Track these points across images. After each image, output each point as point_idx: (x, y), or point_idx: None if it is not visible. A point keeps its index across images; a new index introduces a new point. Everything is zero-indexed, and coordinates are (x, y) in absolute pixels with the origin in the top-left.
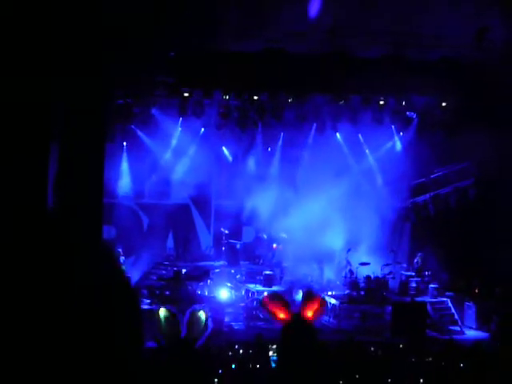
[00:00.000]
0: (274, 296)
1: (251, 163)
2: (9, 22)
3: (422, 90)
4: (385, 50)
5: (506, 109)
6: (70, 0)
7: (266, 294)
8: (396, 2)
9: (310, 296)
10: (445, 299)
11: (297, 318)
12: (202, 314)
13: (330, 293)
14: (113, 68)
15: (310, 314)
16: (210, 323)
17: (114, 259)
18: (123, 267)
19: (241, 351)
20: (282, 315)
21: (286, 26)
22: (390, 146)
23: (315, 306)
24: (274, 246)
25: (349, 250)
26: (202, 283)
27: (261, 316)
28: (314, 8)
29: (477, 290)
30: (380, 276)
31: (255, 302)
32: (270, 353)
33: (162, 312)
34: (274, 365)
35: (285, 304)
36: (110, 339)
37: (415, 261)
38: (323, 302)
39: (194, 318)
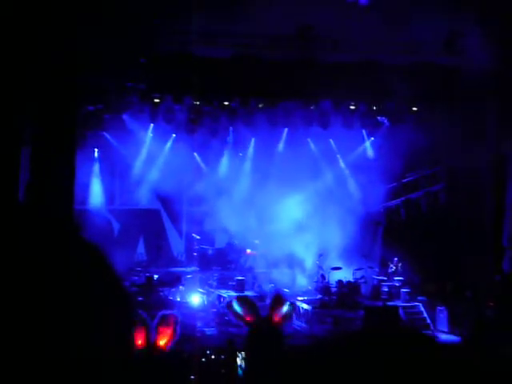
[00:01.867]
0: (241, 299)
1: (222, 168)
2: None
3: (393, 95)
4: (355, 56)
5: (477, 112)
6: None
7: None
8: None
9: (278, 300)
10: (417, 303)
11: (264, 322)
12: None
13: (301, 298)
14: (83, 74)
15: (277, 318)
16: (179, 328)
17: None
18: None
19: (213, 356)
20: (248, 318)
21: (256, 30)
22: (361, 150)
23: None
24: (248, 251)
25: (320, 254)
26: (173, 289)
27: (233, 321)
28: None
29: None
30: (352, 280)
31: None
32: (238, 360)
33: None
34: (241, 372)
35: (252, 307)
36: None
37: (391, 265)
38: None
39: (163, 323)
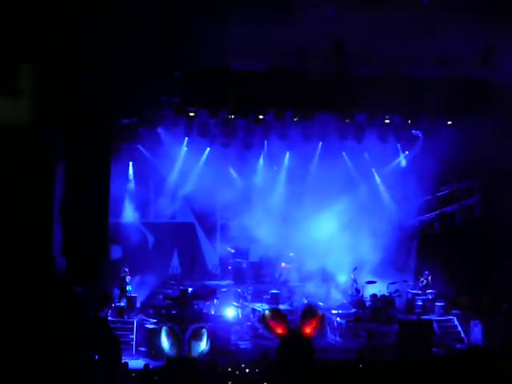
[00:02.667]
0: (273, 311)
1: (257, 182)
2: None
3: (428, 108)
4: (389, 69)
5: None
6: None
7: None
8: (400, 22)
9: (309, 312)
10: (451, 317)
11: (295, 334)
12: (203, 333)
13: (335, 311)
14: (118, 88)
15: (308, 330)
16: (210, 341)
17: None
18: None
19: (247, 370)
20: (279, 331)
21: (292, 44)
22: (395, 164)
23: (314, 322)
24: (283, 264)
25: (355, 268)
26: (208, 302)
27: (266, 335)
28: None
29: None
30: (386, 294)
31: None
32: None
33: (165, 330)
34: None
35: (284, 320)
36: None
37: (422, 279)
38: (322, 319)
39: (195, 336)
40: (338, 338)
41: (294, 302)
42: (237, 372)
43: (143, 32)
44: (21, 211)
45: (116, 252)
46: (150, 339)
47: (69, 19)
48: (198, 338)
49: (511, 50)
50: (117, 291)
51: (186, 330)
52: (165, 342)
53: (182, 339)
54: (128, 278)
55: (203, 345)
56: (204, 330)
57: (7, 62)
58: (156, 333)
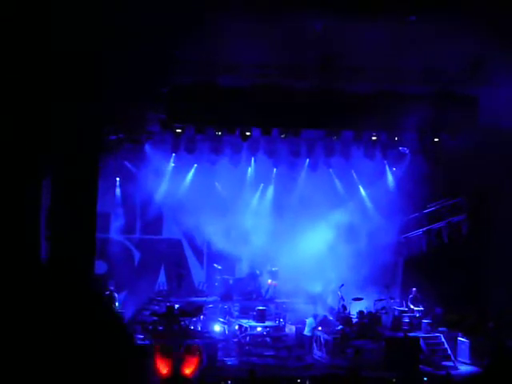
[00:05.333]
0: (164, 347)
1: (244, 199)
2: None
3: (414, 126)
4: (376, 86)
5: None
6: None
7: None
8: (385, 39)
9: (189, 351)
10: (438, 334)
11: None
12: (195, 350)
13: (320, 328)
14: (104, 104)
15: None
16: (204, 358)
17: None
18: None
19: None
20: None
21: (277, 60)
22: (382, 181)
23: (194, 362)
24: (269, 281)
25: (342, 285)
26: (195, 318)
27: (253, 351)
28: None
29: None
30: (373, 311)
31: (248, 338)
32: None
33: (158, 348)
34: None
35: (172, 358)
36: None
37: (410, 296)
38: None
39: (187, 353)
40: (324, 355)
41: (281, 319)
42: None
43: (130, 48)
44: (6, 227)
45: (101, 267)
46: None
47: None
48: (192, 353)
49: (499, 64)
50: None
51: (176, 347)
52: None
53: (174, 356)
54: (115, 295)
55: (195, 362)
56: (197, 346)
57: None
58: (145, 349)
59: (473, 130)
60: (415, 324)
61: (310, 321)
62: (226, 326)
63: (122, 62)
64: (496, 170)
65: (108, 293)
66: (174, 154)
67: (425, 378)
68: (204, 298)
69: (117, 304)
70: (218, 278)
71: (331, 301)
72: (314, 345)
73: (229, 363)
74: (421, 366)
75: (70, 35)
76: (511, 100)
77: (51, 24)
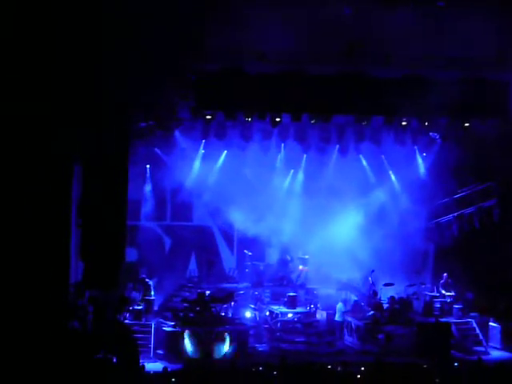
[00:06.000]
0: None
1: (274, 185)
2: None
3: (445, 111)
4: (406, 71)
5: None
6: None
7: None
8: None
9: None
10: (469, 320)
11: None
12: (226, 336)
13: (351, 314)
14: (135, 92)
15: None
16: (233, 345)
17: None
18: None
19: (264, 372)
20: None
21: (308, 46)
22: (413, 166)
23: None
24: (300, 267)
25: (373, 270)
26: (226, 305)
27: (284, 338)
28: None
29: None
30: (404, 296)
31: (279, 324)
32: None
33: (187, 334)
34: None
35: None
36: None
37: (441, 281)
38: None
39: (218, 340)
40: (355, 341)
41: (312, 305)
42: (255, 375)
43: (159, 35)
44: (38, 215)
45: (132, 255)
46: (171, 342)
47: (86, 25)
48: (221, 340)
49: None
50: (134, 294)
51: (207, 333)
52: (188, 345)
53: (205, 342)
54: (149, 282)
55: (226, 348)
56: (227, 334)
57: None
58: (178, 336)
59: (503, 115)
60: (446, 309)
61: (339, 306)
62: (256, 313)
63: (151, 50)
64: None
65: (141, 278)
66: (203, 141)
67: (455, 364)
68: (235, 285)
69: (152, 292)
70: (249, 264)
71: (362, 286)
72: (345, 330)
73: (260, 349)
74: (452, 352)
75: (96, 21)
76: None
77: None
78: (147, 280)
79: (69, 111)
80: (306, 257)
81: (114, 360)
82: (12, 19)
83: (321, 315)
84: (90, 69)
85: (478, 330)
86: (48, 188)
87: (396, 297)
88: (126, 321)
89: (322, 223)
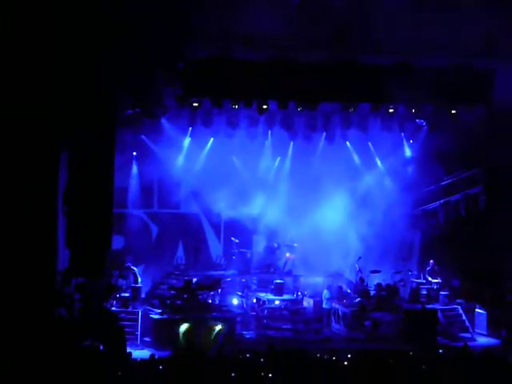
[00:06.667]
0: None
1: (261, 172)
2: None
3: (432, 98)
4: (393, 58)
5: None
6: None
7: None
8: (403, 10)
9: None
10: (456, 306)
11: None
12: (216, 327)
13: (336, 300)
14: (121, 78)
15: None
16: (222, 335)
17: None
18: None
19: (251, 359)
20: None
21: (294, 33)
22: (399, 153)
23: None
24: (288, 255)
25: (359, 257)
26: (213, 292)
27: (271, 325)
28: None
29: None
30: (391, 283)
31: (266, 311)
32: None
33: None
34: None
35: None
36: None
37: (427, 268)
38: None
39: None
40: (342, 328)
41: (299, 293)
42: (242, 362)
43: (146, 23)
44: (25, 203)
45: (119, 242)
46: (161, 330)
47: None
48: (209, 327)
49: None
50: (121, 282)
51: (193, 320)
52: (178, 333)
53: (195, 330)
54: (135, 270)
55: (214, 336)
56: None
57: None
58: (166, 324)
59: (490, 102)
60: (433, 296)
61: (325, 293)
62: (243, 300)
63: (137, 38)
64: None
65: (127, 266)
66: (190, 128)
67: (440, 351)
68: (222, 272)
69: (139, 279)
70: (236, 251)
71: (349, 274)
72: (332, 318)
73: (247, 336)
74: (438, 338)
75: (85, 7)
76: None
77: None
78: (132, 267)
79: (55, 99)
80: (295, 245)
81: (101, 348)
82: None
83: (308, 302)
84: (76, 56)
85: (464, 317)
86: (34, 176)
87: (383, 284)
88: (113, 308)
89: (309, 210)
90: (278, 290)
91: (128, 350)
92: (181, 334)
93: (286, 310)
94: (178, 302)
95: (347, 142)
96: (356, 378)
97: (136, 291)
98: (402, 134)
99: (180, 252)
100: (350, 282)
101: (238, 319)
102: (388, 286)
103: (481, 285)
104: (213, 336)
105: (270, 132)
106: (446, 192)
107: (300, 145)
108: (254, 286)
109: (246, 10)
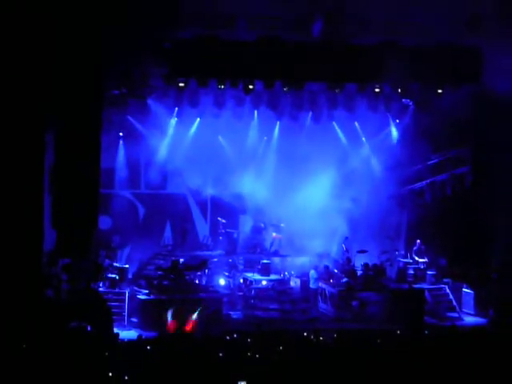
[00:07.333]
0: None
1: (247, 152)
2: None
3: (418, 77)
4: (379, 38)
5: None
6: None
7: None
8: None
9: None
10: (443, 286)
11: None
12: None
13: (323, 280)
14: (107, 59)
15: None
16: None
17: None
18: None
19: (239, 339)
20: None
21: (281, 13)
22: (386, 133)
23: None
24: (274, 235)
25: (346, 238)
26: (199, 273)
27: (258, 305)
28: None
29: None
30: (378, 263)
31: (253, 291)
32: None
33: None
34: None
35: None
36: None
37: (414, 248)
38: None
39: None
40: (329, 308)
41: (286, 273)
42: (229, 342)
43: (131, 3)
44: (11, 184)
45: (106, 223)
46: (145, 310)
47: None
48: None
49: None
50: (108, 262)
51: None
52: (166, 314)
53: (178, 310)
54: (118, 251)
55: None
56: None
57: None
58: (152, 305)
59: (476, 81)
60: (420, 276)
61: (312, 273)
62: (230, 280)
63: (124, 18)
64: (499, 122)
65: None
66: (177, 108)
67: (426, 332)
68: (209, 252)
69: (114, 262)
70: (223, 231)
71: (336, 254)
72: (319, 298)
73: (234, 317)
74: (426, 318)
75: None
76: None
77: None
78: (117, 249)
79: (40, 79)
80: (282, 225)
81: (88, 328)
82: None
83: (295, 282)
84: (62, 37)
85: (451, 296)
86: (20, 156)
87: (370, 264)
88: (100, 289)
89: (296, 190)
90: (265, 271)
91: (115, 330)
92: (168, 316)
93: (273, 290)
94: (165, 283)
95: (334, 122)
96: (343, 357)
97: (123, 272)
98: (389, 114)
99: (167, 232)
100: (336, 261)
101: (225, 299)
102: (375, 265)
103: (468, 264)
104: (195, 316)
105: (256, 112)
106: (433, 171)
107: (286, 125)
108: (240, 267)
109: None
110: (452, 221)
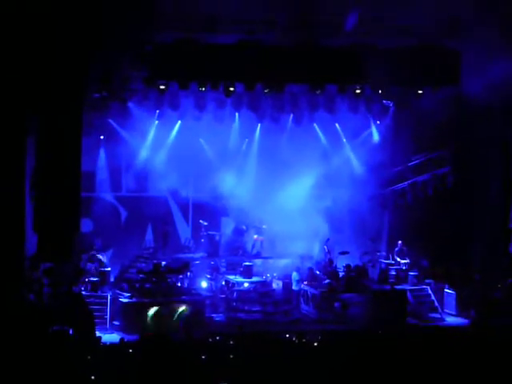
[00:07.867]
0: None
1: (229, 155)
2: None
3: (397, 79)
4: (358, 40)
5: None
6: None
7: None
8: None
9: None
10: (425, 287)
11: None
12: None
13: (306, 282)
14: (88, 62)
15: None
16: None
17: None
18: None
19: (221, 342)
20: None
21: (260, 16)
22: (367, 134)
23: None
24: (255, 236)
25: (328, 239)
26: (181, 275)
27: (240, 307)
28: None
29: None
30: (359, 264)
31: (235, 293)
32: None
33: (152, 311)
34: None
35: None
36: None
37: (396, 249)
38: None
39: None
40: (311, 309)
41: (268, 275)
42: (211, 345)
43: (112, 7)
44: None
45: (87, 226)
46: (127, 313)
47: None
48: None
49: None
50: (90, 265)
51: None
52: (148, 316)
53: (160, 314)
54: (99, 256)
55: (176, 317)
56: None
57: None
58: (134, 308)
59: (455, 83)
60: (402, 277)
61: (294, 275)
62: (212, 283)
63: (104, 21)
64: (480, 122)
65: (92, 253)
66: (157, 111)
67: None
68: (190, 255)
69: (103, 263)
70: (204, 234)
71: (318, 255)
72: (301, 299)
73: (216, 319)
74: (408, 319)
75: None
76: (492, 56)
77: None
78: (97, 254)
79: (21, 82)
80: (264, 227)
81: (71, 332)
82: None
83: (277, 284)
84: (42, 40)
85: (433, 297)
86: (1, 160)
87: (351, 265)
88: (82, 292)
89: (277, 192)
90: (247, 273)
91: (97, 334)
92: (149, 318)
93: (255, 292)
94: (147, 286)
95: (315, 124)
96: (326, 359)
97: (104, 275)
98: (370, 115)
99: (149, 235)
100: (318, 263)
101: (207, 302)
102: (357, 267)
103: (449, 265)
104: (175, 318)
105: (237, 114)
106: (414, 172)
107: (267, 127)
108: (222, 269)
109: None
110: (434, 222)
